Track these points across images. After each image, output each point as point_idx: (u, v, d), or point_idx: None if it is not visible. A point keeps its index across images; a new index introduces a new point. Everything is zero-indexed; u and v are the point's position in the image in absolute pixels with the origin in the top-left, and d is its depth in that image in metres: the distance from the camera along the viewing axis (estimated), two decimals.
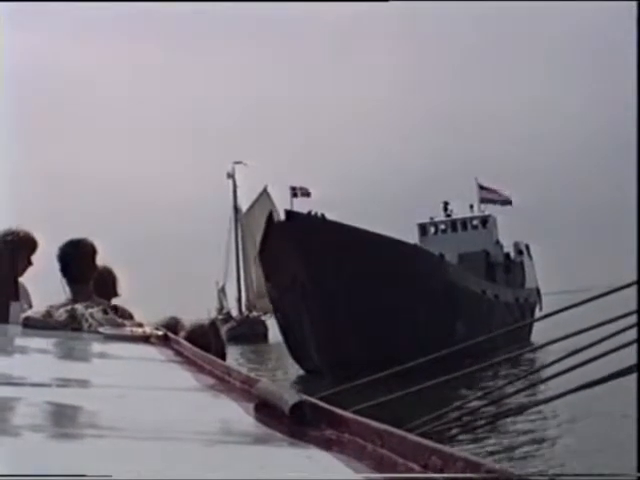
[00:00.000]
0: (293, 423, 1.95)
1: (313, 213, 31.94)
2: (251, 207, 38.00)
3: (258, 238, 33.67)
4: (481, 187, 48.87)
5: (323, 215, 31.46)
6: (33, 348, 4.37)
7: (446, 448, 1.54)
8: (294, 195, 35.60)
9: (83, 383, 2.98)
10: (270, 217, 30.21)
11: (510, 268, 47.28)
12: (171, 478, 1.52)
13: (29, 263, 6.22)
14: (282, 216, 31.68)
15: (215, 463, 1.70)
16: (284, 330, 33.32)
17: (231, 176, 36.08)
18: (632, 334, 4.01)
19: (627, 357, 4.19)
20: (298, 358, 31.65)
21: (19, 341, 4.78)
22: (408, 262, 30.90)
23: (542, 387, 4.56)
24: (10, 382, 2.80)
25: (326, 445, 1.78)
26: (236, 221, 38.48)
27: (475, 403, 4.94)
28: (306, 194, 36.43)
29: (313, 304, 28.86)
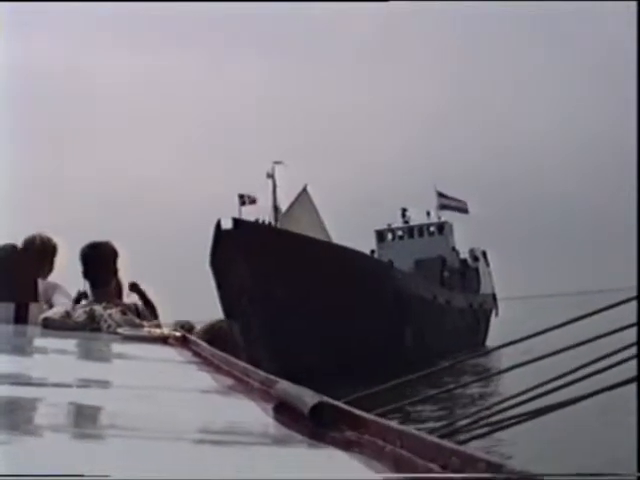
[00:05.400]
0: (312, 424, 1.94)
1: (260, 221, 32.47)
2: (290, 207, 37.95)
3: None
4: (440, 194, 48.53)
5: (270, 223, 31.87)
6: (52, 349, 4.39)
7: (466, 449, 1.52)
8: (242, 203, 35.71)
9: (101, 384, 2.98)
10: (218, 225, 30.40)
11: (465, 274, 47.03)
12: (189, 478, 1.51)
13: (51, 267, 6.38)
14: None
15: (234, 464, 1.69)
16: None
17: (271, 176, 35.95)
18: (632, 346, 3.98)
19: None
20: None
21: (38, 342, 4.80)
22: (356, 269, 30.96)
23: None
24: (29, 382, 2.80)
25: (345, 446, 1.77)
26: (276, 221, 38.30)
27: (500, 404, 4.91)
28: (253, 202, 36.49)
29: (260, 311, 29.10)
